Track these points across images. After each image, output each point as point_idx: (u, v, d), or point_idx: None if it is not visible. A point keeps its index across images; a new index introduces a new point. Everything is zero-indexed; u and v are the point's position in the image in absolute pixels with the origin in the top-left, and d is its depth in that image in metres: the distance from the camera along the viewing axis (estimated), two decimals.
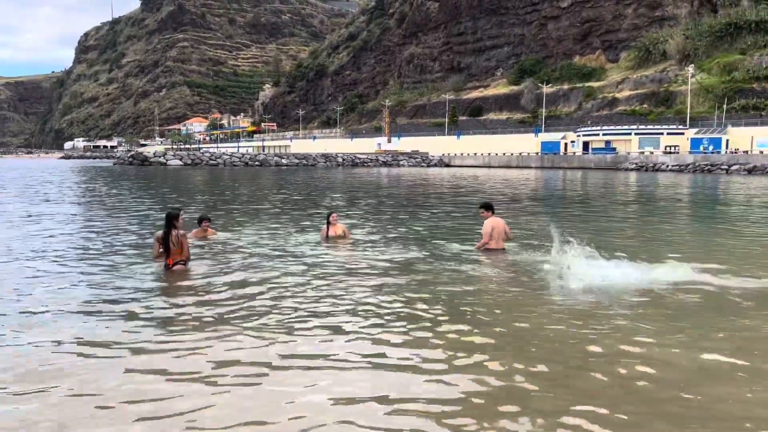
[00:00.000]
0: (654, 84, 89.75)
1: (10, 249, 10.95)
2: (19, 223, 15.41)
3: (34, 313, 6.67)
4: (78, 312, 6.73)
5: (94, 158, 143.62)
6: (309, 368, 5.07)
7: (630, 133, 78.74)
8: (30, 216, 17.05)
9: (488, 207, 10.46)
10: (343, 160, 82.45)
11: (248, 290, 7.76)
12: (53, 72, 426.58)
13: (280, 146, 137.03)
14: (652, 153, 72.40)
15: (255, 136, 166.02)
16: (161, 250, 8.70)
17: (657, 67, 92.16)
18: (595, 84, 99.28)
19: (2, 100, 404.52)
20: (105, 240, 12.27)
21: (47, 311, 6.72)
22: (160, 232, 8.79)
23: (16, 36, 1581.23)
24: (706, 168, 59.03)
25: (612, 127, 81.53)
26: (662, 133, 76.14)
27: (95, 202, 23.04)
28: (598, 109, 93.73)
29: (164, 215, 8.85)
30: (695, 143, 71.28)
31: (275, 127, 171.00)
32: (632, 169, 64.90)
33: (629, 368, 5.02)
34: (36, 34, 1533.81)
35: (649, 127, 79.06)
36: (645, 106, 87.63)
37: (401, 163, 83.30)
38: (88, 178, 44.45)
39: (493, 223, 10.25)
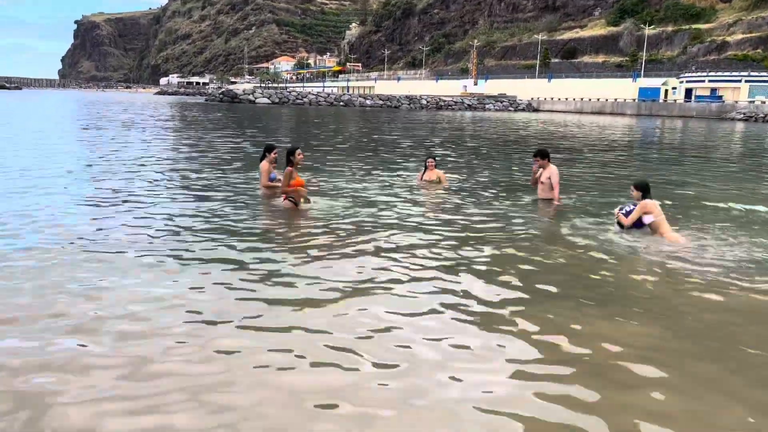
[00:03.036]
0: None
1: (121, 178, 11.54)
2: (131, 155, 16.19)
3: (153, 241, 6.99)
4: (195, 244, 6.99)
5: (187, 94, 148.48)
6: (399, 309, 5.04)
7: (740, 81, 72.87)
8: (139, 147, 17.89)
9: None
10: (427, 102, 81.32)
11: (348, 226, 7.85)
12: (150, 8, 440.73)
13: (364, 87, 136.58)
14: (763, 102, 66.84)
15: (340, 76, 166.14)
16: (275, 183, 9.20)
17: None
18: (703, 26, 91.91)
19: (104, 35, 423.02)
20: (211, 173, 12.70)
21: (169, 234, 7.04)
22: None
23: None
24: None
25: (719, 74, 75.64)
26: None
27: (198, 136, 23.88)
28: (705, 53, 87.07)
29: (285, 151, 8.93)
30: None
31: (360, 68, 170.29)
32: (739, 119, 60.31)
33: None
34: None
35: (762, 74, 72.79)
36: (759, 50, 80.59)
37: (487, 106, 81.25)
38: (187, 113, 46.11)
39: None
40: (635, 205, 7.42)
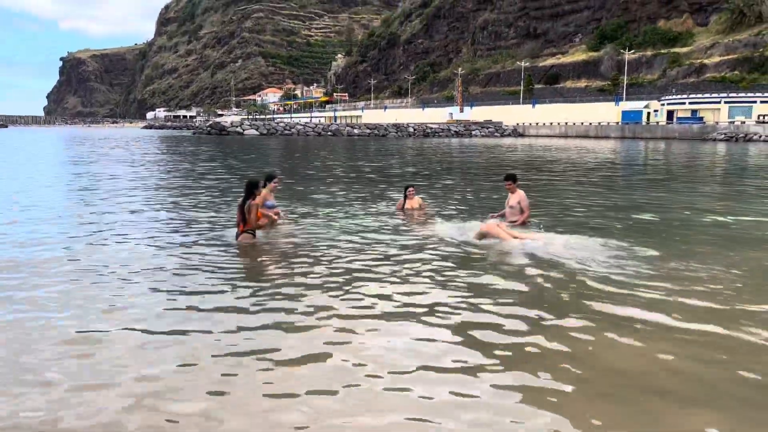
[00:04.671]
0: (747, 49, 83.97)
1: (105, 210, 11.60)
2: (119, 187, 16.24)
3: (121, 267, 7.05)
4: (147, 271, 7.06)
5: (174, 128, 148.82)
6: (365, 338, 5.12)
7: (719, 102, 74.29)
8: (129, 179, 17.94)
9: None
10: (414, 130, 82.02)
11: (324, 255, 7.90)
12: (136, 44, 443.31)
13: (351, 116, 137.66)
14: (743, 123, 68.12)
15: (327, 106, 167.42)
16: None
17: (751, 31, 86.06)
18: (681, 50, 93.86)
19: (90, 71, 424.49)
20: (189, 204, 12.77)
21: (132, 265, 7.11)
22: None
23: (101, 9, 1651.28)
24: None
25: (699, 96, 77.13)
26: (755, 102, 71.44)
27: (186, 169, 23.97)
28: (684, 76, 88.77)
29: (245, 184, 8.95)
30: None
31: (347, 97, 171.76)
32: (721, 140, 61.38)
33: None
34: (119, 6, 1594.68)
35: (740, 94, 74.30)
36: (736, 72, 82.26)
37: (473, 133, 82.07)
38: (176, 147, 46.24)
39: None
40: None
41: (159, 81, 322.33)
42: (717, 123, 70.20)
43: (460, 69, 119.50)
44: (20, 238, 9.15)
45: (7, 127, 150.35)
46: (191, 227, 10.20)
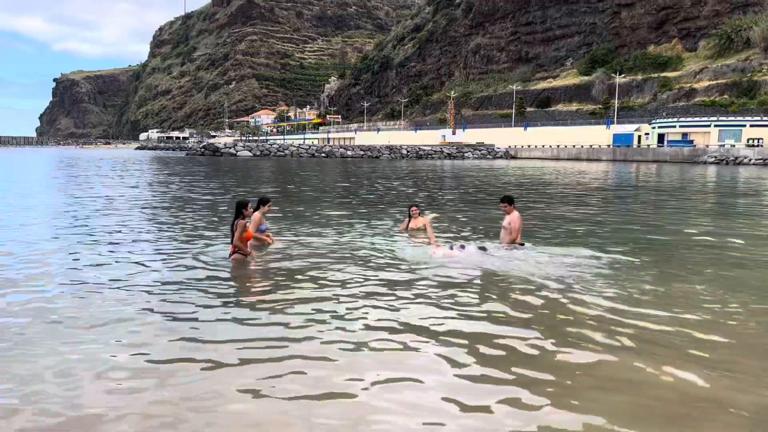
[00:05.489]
0: (736, 73, 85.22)
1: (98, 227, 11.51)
2: (115, 205, 16.15)
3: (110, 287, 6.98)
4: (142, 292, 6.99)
5: (168, 149, 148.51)
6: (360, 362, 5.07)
7: (709, 125, 75.12)
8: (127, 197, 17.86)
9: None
10: (408, 152, 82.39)
11: (326, 274, 7.86)
12: (129, 66, 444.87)
13: (344, 138, 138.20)
14: (733, 146, 68.86)
15: (320, 128, 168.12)
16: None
17: (739, 56, 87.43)
18: (671, 74, 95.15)
19: (83, 93, 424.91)
20: (182, 222, 12.71)
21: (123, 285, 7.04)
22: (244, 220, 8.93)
23: (95, 31, 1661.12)
24: None
25: (689, 119, 78.02)
26: (744, 125, 72.26)
27: (181, 188, 23.90)
28: (674, 100, 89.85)
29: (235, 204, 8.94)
30: None
31: (340, 120, 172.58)
32: (711, 163, 61.99)
33: None
34: (113, 29, 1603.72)
35: (729, 118, 75.20)
36: (725, 96, 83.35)
37: (466, 155, 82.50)
38: (170, 168, 46.18)
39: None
40: (462, 247, 9.40)
41: (152, 102, 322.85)
42: (707, 146, 70.91)
43: (452, 92, 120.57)
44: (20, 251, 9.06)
45: None
46: (185, 247, 10.13)
